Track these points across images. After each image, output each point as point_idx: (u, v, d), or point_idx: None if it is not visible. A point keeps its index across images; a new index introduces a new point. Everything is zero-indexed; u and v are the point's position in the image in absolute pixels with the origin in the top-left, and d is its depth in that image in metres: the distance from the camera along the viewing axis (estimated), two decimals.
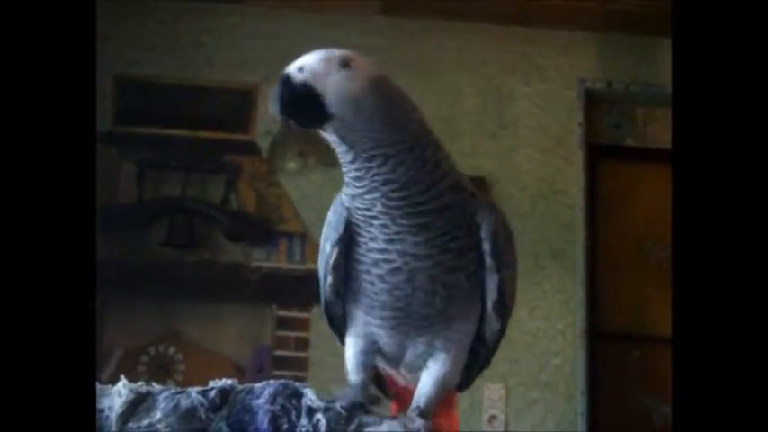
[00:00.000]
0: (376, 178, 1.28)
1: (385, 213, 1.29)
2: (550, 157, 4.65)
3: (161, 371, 4.25)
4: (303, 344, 4.34)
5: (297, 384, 1.35)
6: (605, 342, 4.58)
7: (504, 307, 1.38)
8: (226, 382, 1.35)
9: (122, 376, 1.36)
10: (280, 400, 1.31)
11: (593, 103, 4.74)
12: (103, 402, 1.31)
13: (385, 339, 1.39)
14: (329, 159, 4.44)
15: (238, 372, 4.29)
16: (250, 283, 4.34)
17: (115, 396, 1.31)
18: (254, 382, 1.37)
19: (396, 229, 1.29)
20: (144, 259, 4.35)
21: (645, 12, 4.43)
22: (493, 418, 4.37)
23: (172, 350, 4.36)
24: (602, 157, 4.77)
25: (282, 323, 4.37)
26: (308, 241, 4.36)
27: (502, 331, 1.42)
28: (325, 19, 4.55)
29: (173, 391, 1.34)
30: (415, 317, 1.34)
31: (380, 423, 1.30)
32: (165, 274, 4.33)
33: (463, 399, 4.45)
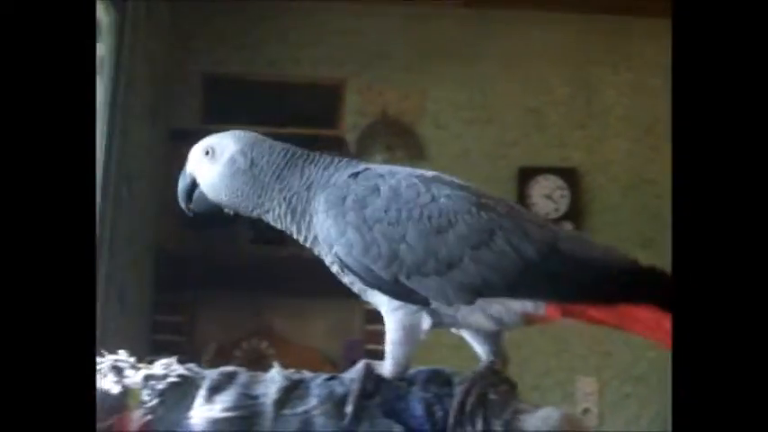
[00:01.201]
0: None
1: None
2: (640, 147, 4.56)
3: (254, 365, 4.29)
4: None
5: (448, 371, 1.34)
6: None
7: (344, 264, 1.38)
8: None
9: (275, 363, 1.37)
10: (432, 387, 1.31)
11: None
12: (257, 389, 1.32)
13: None
14: (417, 153, 4.44)
15: (330, 365, 4.30)
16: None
17: (269, 383, 1.32)
18: None
19: None
20: (235, 255, 4.39)
21: None
22: (586, 411, 4.31)
23: (264, 344, 4.40)
24: None
25: (372, 317, 4.37)
26: None
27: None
28: (409, 12, 4.54)
29: (325, 377, 1.34)
30: None
31: (535, 410, 1.28)
32: (255, 269, 4.37)
33: (555, 391, 4.44)
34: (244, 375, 1.35)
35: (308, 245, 1.44)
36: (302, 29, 4.55)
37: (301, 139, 4.64)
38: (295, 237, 1.44)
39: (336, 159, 1.45)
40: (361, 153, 4.48)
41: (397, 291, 1.34)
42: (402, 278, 1.33)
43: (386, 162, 4.50)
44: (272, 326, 4.44)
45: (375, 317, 4.65)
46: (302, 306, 4.44)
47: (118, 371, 1.34)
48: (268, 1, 4.55)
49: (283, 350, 4.38)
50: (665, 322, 1.27)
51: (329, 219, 1.35)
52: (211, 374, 1.35)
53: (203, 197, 1.47)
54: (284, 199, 1.41)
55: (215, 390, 1.31)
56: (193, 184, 1.47)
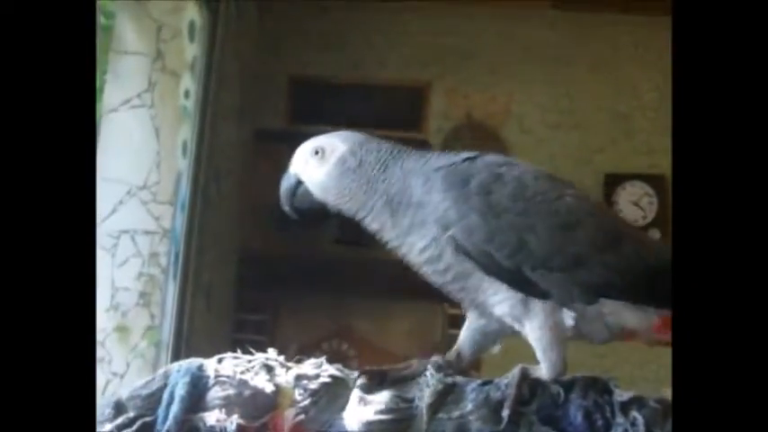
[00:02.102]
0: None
1: None
2: None
3: None
4: None
5: (605, 379, 1.31)
6: None
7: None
8: None
9: (429, 365, 1.35)
10: (591, 394, 1.27)
11: None
12: (411, 392, 1.30)
13: None
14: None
15: None
16: (422, 281, 4.31)
17: (423, 386, 1.30)
18: None
19: None
20: (318, 256, 4.40)
21: None
22: None
23: (344, 346, 4.40)
24: None
25: (454, 321, 4.34)
26: None
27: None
28: (496, 13, 4.50)
29: (479, 382, 1.32)
30: None
31: None
32: (337, 270, 4.38)
33: None
34: None
35: (401, 239, 1.42)
36: (387, 31, 4.54)
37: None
38: (389, 234, 1.43)
39: (435, 153, 1.45)
40: None
41: (516, 280, 1.33)
42: (526, 269, 1.31)
43: None
44: (352, 328, 4.44)
45: (458, 321, 4.61)
46: (384, 308, 4.43)
47: (269, 369, 1.33)
48: (354, 2, 4.55)
49: (364, 352, 4.38)
50: None
51: (448, 200, 1.33)
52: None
53: (309, 196, 1.45)
54: (384, 192, 1.39)
55: (368, 391, 1.30)
56: (297, 184, 1.46)
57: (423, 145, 4.45)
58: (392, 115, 4.50)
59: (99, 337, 3.57)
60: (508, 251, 1.31)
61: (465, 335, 1.49)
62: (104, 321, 3.57)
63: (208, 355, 1.40)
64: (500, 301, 1.35)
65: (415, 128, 4.49)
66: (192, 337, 3.82)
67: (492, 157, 1.39)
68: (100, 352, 3.55)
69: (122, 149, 3.69)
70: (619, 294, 1.33)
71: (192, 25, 3.84)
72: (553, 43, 4.51)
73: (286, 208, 1.48)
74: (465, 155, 1.39)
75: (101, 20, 4.21)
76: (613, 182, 4.37)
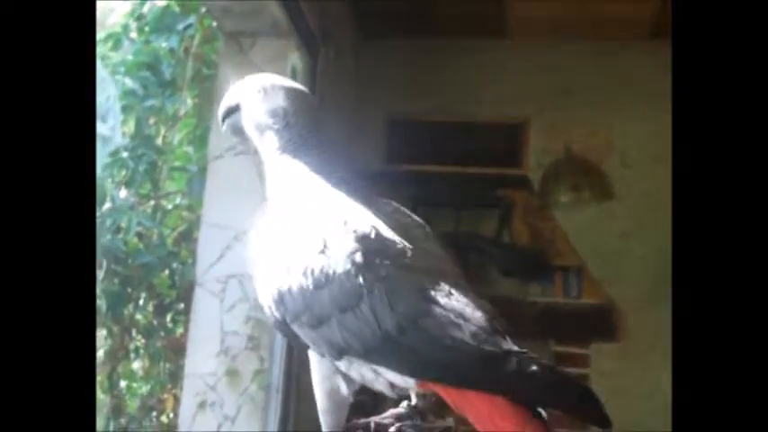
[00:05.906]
0: None
1: None
2: None
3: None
4: (583, 380, 4.23)
5: None
6: None
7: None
8: None
9: None
10: None
11: None
12: None
13: None
14: (603, 192, 4.33)
15: None
16: (526, 318, 4.28)
17: None
18: None
19: None
20: None
21: None
22: None
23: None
24: None
25: (560, 359, 4.27)
26: (585, 276, 4.25)
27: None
28: (594, 47, 4.46)
29: None
30: None
31: None
32: None
33: None
34: None
35: None
36: (483, 67, 4.54)
37: (485, 178, 4.61)
38: None
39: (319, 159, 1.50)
40: (545, 193, 4.41)
41: (284, 331, 1.40)
42: (288, 321, 1.38)
43: (572, 203, 4.42)
44: None
45: (563, 359, 4.47)
46: None
47: None
48: (449, 41, 4.56)
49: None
50: (504, 417, 1.24)
51: (255, 237, 1.43)
52: None
53: (239, 122, 1.56)
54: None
55: None
56: (236, 107, 1.56)
57: (523, 181, 4.43)
58: (491, 152, 4.49)
59: (210, 381, 3.63)
60: (274, 304, 1.38)
61: None
62: (215, 365, 3.64)
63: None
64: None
65: (515, 164, 4.47)
66: (301, 379, 3.84)
67: (317, 194, 1.44)
68: (212, 396, 3.61)
69: (228, 195, 3.76)
70: (358, 355, 1.34)
71: (293, 71, 3.90)
72: (653, 73, 4.44)
73: (221, 123, 1.60)
74: (303, 182, 1.46)
75: (203, 70, 4.33)
76: None
